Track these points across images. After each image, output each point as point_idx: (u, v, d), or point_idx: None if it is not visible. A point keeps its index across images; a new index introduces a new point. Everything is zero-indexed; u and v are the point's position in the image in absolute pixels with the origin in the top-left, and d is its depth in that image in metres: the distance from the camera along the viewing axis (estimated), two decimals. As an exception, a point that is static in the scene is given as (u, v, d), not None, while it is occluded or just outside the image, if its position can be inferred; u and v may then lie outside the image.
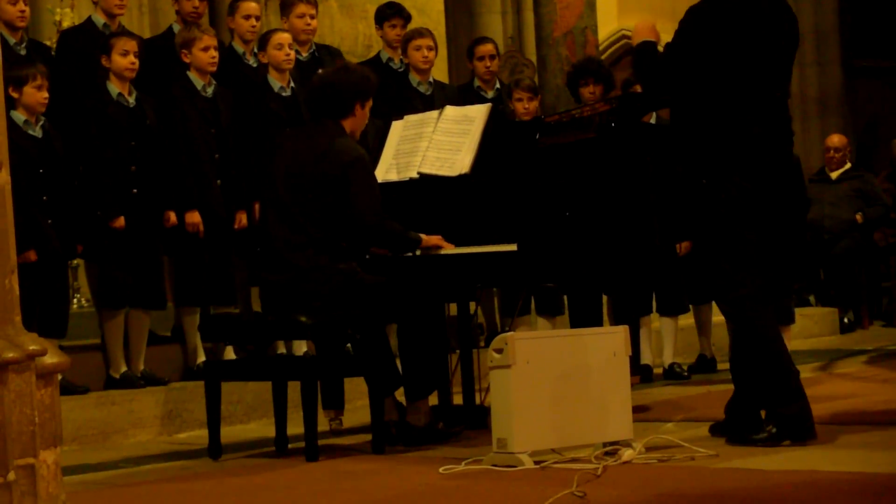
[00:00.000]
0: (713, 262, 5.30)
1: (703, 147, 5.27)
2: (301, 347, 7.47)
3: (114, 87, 7.05)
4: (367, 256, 6.05)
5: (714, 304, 8.53)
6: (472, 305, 6.57)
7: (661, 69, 5.37)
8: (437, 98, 8.08)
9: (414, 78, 8.25)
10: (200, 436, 6.34)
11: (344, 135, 5.86)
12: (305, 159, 5.82)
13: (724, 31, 5.22)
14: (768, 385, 5.19)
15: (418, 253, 5.95)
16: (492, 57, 8.67)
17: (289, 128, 5.92)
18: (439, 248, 5.92)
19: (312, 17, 8.03)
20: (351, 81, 5.91)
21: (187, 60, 7.30)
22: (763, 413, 5.24)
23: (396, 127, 6.48)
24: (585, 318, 5.82)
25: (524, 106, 8.15)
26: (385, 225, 5.85)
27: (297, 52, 7.87)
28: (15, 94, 6.59)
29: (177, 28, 7.69)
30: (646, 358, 8.26)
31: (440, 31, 10.51)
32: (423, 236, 5.93)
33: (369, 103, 6.00)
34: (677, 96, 5.40)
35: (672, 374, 8.30)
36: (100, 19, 7.49)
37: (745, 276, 5.19)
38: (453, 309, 6.47)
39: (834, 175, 11.52)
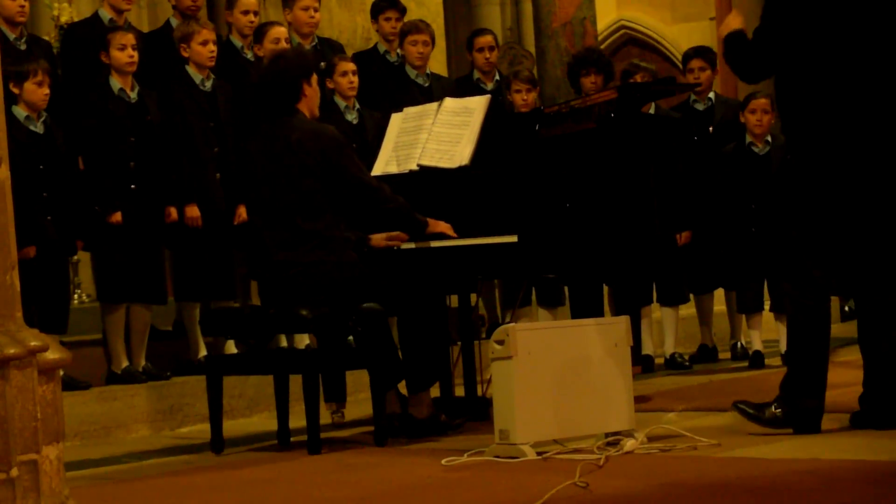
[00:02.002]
0: (789, 242, 5.25)
1: (813, 121, 5.12)
2: (303, 341, 7.47)
3: (115, 83, 7.05)
4: (365, 249, 6.04)
5: (715, 293, 8.57)
6: (473, 297, 6.57)
7: (757, 52, 5.25)
8: (435, 90, 8.08)
9: (411, 71, 8.24)
10: (202, 430, 6.34)
11: (305, 119, 5.85)
12: (279, 155, 5.77)
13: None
14: (795, 372, 5.18)
15: (429, 242, 5.94)
16: (491, 48, 8.65)
17: (247, 131, 5.89)
18: (446, 235, 5.90)
19: (316, 10, 8.00)
20: (288, 66, 5.86)
21: (186, 55, 7.29)
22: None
23: (396, 119, 6.47)
24: (586, 308, 5.82)
25: (523, 97, 8.14)
26: (384, 188, 5.85)
27: (300, 45, 7.86)
28: (16, 90, 6.59)
29: (174, 22, 7.68)
30: (647, 348, 8.27)
31: (439, 23, 10.52)
32: (430, 221, 5.92)
33: (314, 78, 5.96)
34: (782, 77, 5.24)
35: (673, 364, 8.30)
36: (106, 14, 7.47)
37: (814, 262, 5.15)
38: (454, 301, 6.46)
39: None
